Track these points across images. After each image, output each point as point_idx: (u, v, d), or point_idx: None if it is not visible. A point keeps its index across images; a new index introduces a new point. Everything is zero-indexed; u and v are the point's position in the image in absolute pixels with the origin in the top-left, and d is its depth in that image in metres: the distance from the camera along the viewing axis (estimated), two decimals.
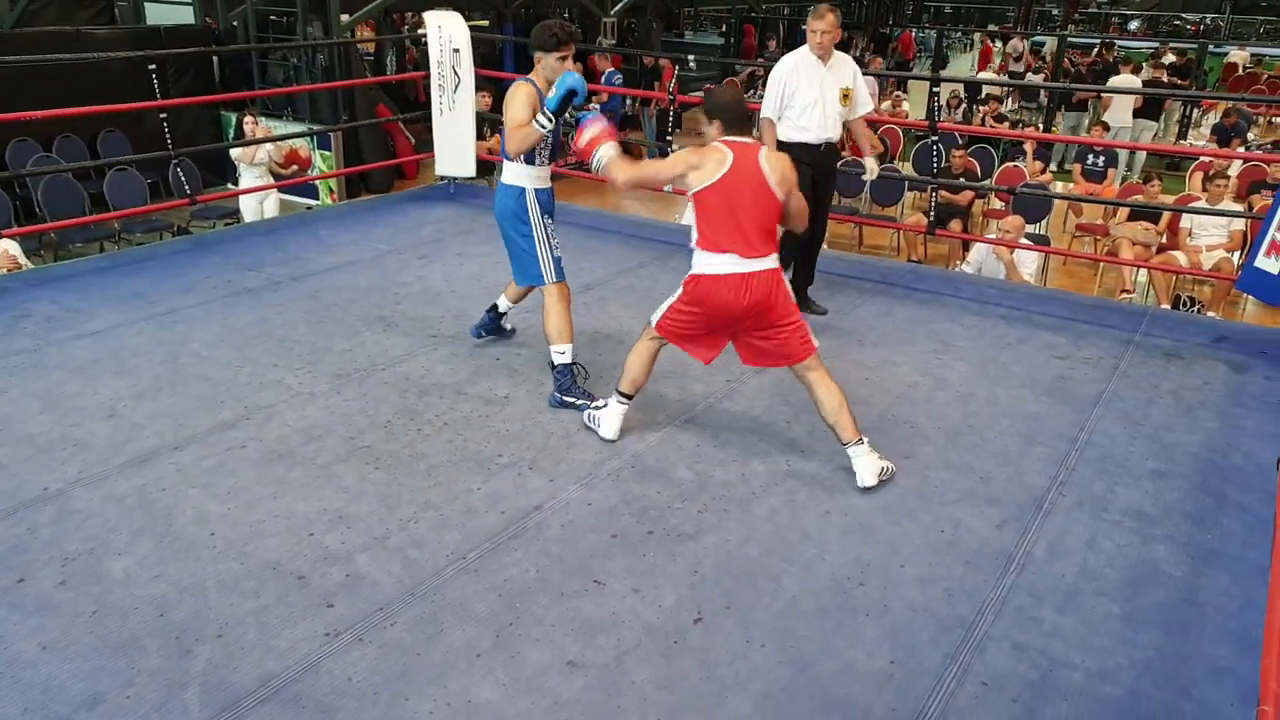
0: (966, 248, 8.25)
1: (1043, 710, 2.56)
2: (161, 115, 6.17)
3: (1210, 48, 19.96)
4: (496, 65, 13.72)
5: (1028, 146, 11.18)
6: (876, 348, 4.85)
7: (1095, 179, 10.71)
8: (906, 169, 10.79)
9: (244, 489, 3.39)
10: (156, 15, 13.34)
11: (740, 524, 3.32)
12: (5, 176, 8.74)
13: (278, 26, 12.17)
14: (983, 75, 18.38)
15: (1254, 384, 4.61)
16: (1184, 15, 30.84)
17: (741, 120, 3.57)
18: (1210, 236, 8.22)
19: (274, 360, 4.43)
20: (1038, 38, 23.23)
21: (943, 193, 8.64)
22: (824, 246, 8.99)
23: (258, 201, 8.95)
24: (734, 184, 3.45)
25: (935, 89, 6.96)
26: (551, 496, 3.43)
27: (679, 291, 3.64)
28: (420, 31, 7.28)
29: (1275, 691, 2.00)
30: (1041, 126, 15.00)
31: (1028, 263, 7.60)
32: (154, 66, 6.14)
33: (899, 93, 15.82)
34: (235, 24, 12.20)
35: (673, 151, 3.99)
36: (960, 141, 10.32)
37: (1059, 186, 11.55)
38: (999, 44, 22.78)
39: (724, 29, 22.12)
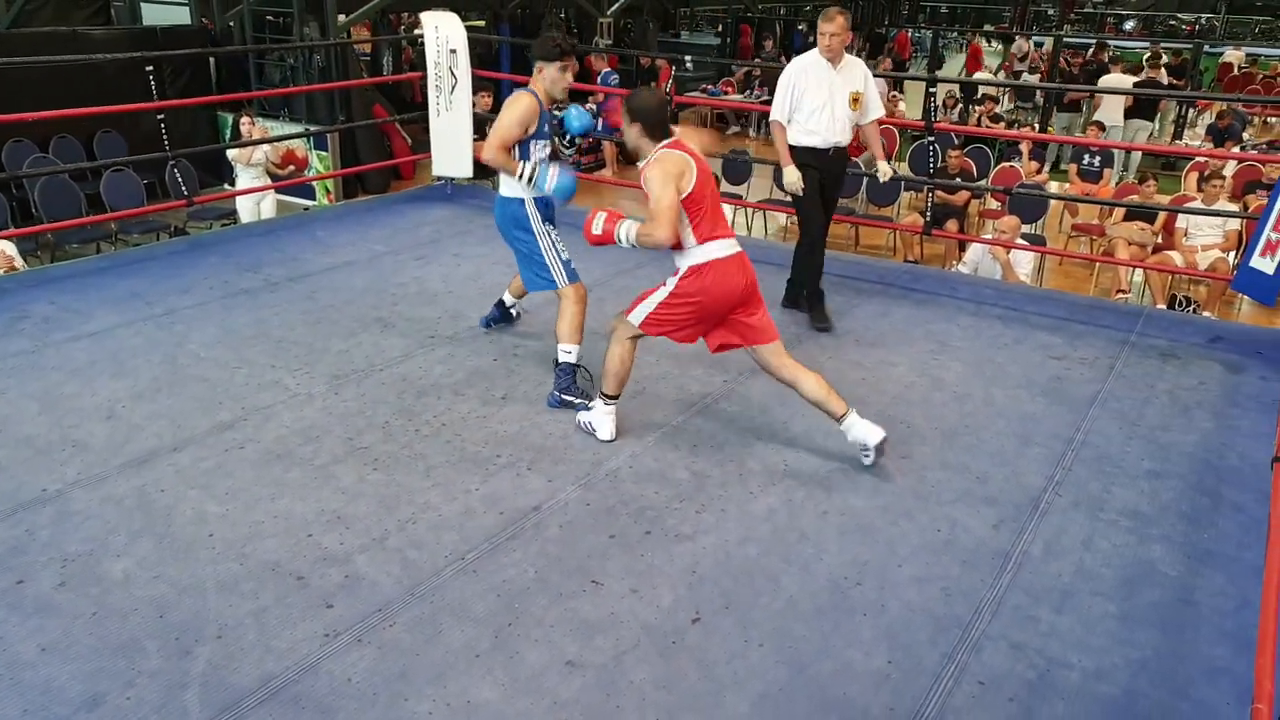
0: (963, 248, 8.27)
1: (1039, 709, 2.57)
2: (159, 117, 6.17)
3: (1205, 48, 19.99)
4: (493, 66, 13.72)
5: (1023, 146, 11.21)
6: (873, 348, 4.87)
7: (1091, 179, 10.73)
8: (903, 169, 10.80)
9: (242, 490, 3.40)
10: (153, 16, 13.33)
11: (738, 524, 3.33)
12: (2, 178, 8.73)
13: (274, 27, 12.16)
14: (978, 76, 18.40)
15: (1249, 384, 4.63)
16: (1179, 15, 30.89)
17: (662, 123, 3.63)
18: (1205, 236, 8.24)
19: (271, 361, 4.43)
20: (1035, 38, 23.25)
21: (939, 193, 8.66)
22: None
23: (255, 202, 8.95)
24: (703, 176, 3.59)
25: (931, 89, 6.97)
26: (550, 497, 3.44)
27: (667, 288, 3.67)
28: (417, 32, 7.28)
29: (1269, 690, 2.02)
30: (1037, 126, 15.04)
31: (1024, 263, 7.62)
32: (151, 68, 6.13)
33: (895, 93, 15.84)
34: (231, 24, 12.19)
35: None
36: (956, 142, 10.33)
37: (1055, 186, 11.58)
38: (995, 44, 22.83)
39: (720, 29, 22.13)
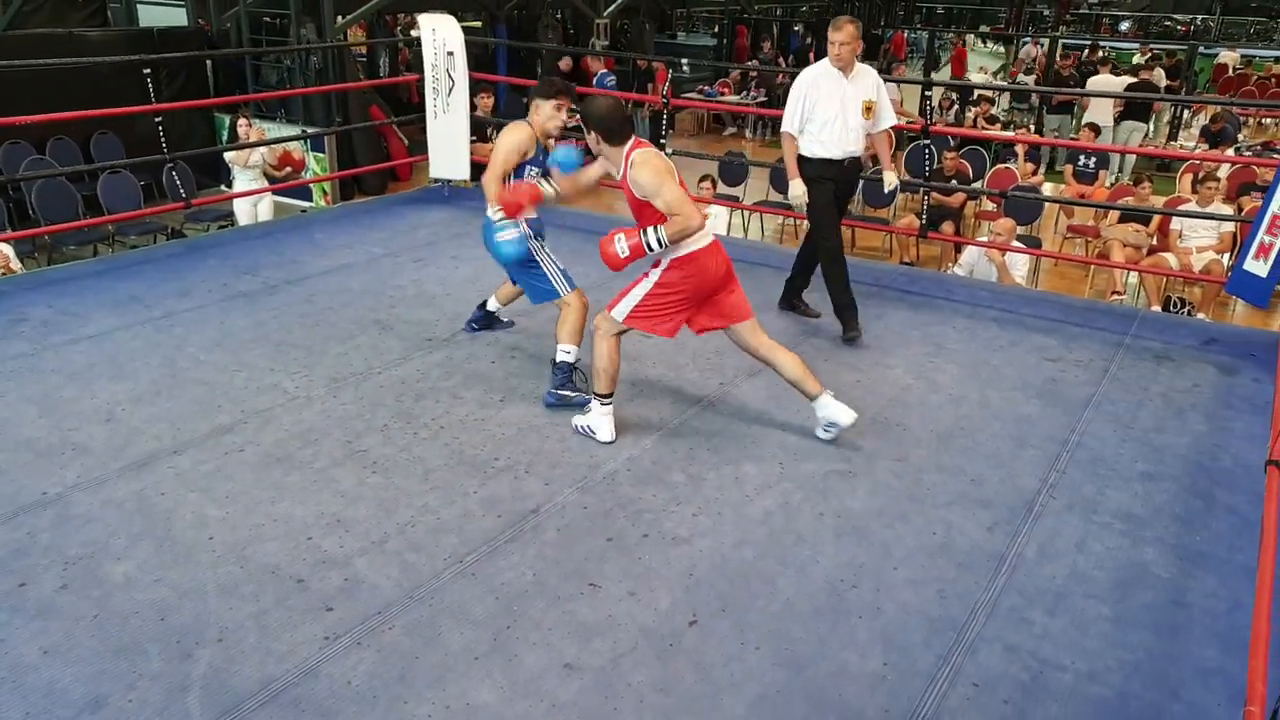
0: (959, 249, 8.30)
1: (1033, 711, 2.59)
2: (157, 119, 6.18)
3: (1200, 49, 20.05)
4: (489, 67, 13.74)
5: (1019, 148, 11.24)
6: (869, 350, 4.89)
7: (1087, 180, 10.76)
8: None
9: (242, 493, 3.42)
10: (149, 17, 13.33)
11: (735, 527, 3.35)
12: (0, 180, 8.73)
13: (271, 28, 12.18)
14: (975, 79, 18.45)
15: (1243, 386, 4.66)
16: (1174, 16, 30.95)
17: (622, 126, 3.72)
18: (1200, 238, 8.27)
19: (270, 364, 4.45)
20: (1029, 39, 23.30)
21: (935, 195, 8.69)
22: None
23: (252, 204, 8.95)
24: (674, 168, 3.72)
25: (928, 91, 7.00)
26: (548, 500, 3.46)
27: (651, 279, 3.76)
28: (414, 33, 7.30)
29: (1261, 692, 2.04)
30: (1033, 127, 15.07)
31: (1019, 264, 7.65)
32: (149, 70, 6.14)
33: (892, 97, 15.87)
34: (228, 26, 12.19)
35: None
36: (952, 144, 10.37)
37: (1051, 187, 11.61)
38: (991, 45, 22.89)
39: (716, 30, 22.15)
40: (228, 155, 9.25)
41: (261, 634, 2.73)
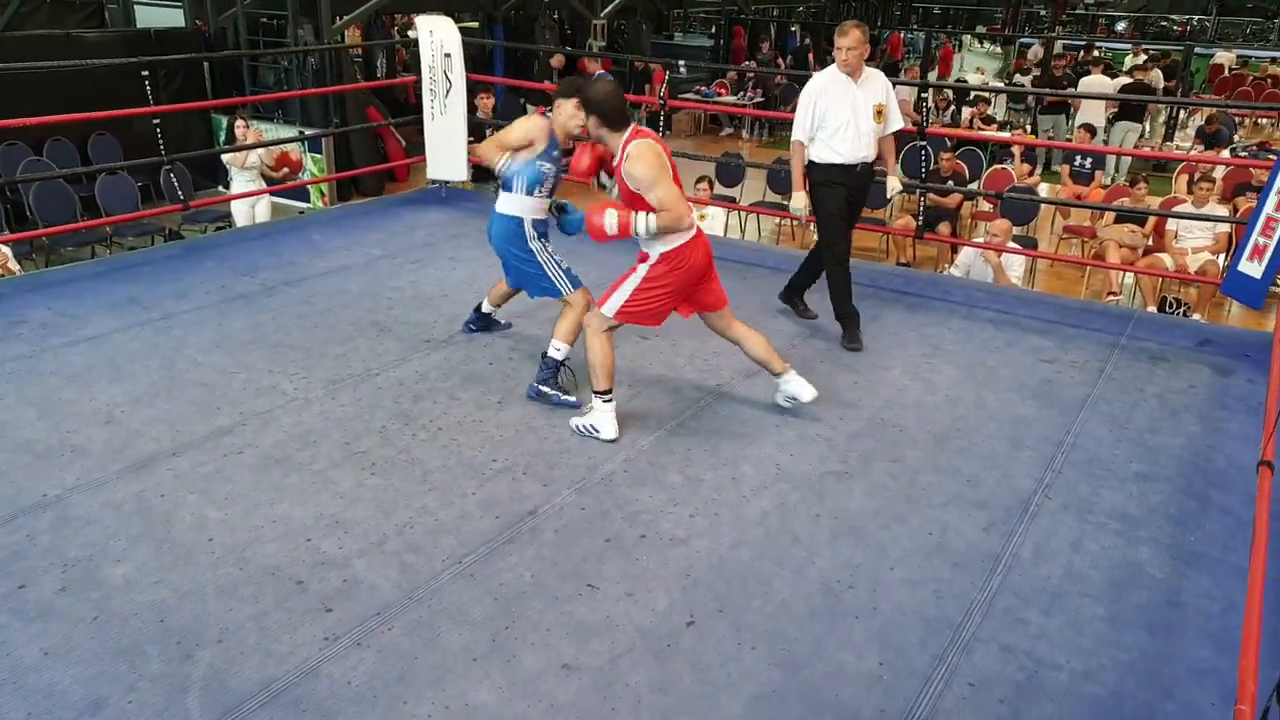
0: (955, 250, 8.32)
1: (1028, 711, 2.61)
2: (155, 122, 6.19)
3: (1196, 49, 20.09)
4: (486, 69, 13.75)
5: (1015, 149, 11.26)
6: (866, 351, 4.91)
7: (1083, 180, 10.79)
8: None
9: (241, 495, 3.43)
10: (147, 18, 13.33)
11: (731, 528, 3.37)
12: None
13: (268, 29, 12.17)
14: (971, 79, 18.49)
15: (1237, 387, 4.68)
16: (1170, 17, 31.01)
17: (621, 111, 3.80)
18: (1196, 239, 8.31)
19: (269, 366, 4.46)
20: (1025, 39, 23.33)
21: (931, 195, 8.71)
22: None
23: (249, 205, 8.96)
24: (672, 162, 3.83)
25: (924, 93, 7.02)
26: (546, 501, 3.48)
27: (639, 274, 3.86)
28: (411, 33, 7.31)
29: (1252, 691, 2.06)
30: (1029, 127, 15.11)
31: (1015, 265, 7.67)
32: (147, 72, 6.15)
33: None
34: (225, 26, 12.20)
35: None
36: (949, 144, 10.39)
37: (1047, 188, 11.64)
38: (988, 45, 22.92)
39: (713, 31, 22.18)
40: (225, 156, 9.26)
41: (261, 635, 2.75)
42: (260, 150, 9.07)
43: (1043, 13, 30.33)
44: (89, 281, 5.49)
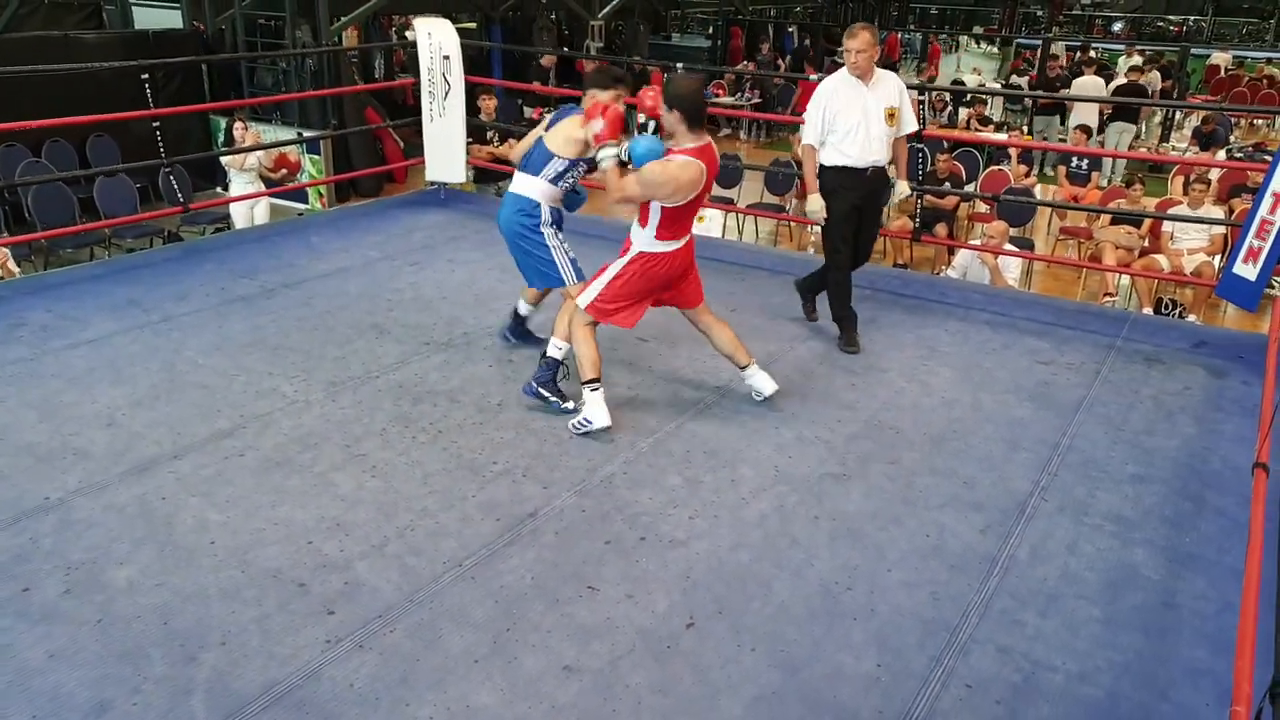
0: (952, 251, 8.35)
1: (1025, 712, 2.64)
2: (154, 124, 6.21)
3: (1192, 50, 20.14)
4: (484, 70, 13.76)
5: (1012, 150, 11.30)
6: (863, 353, 4.93)
7: (1080, 182, 10.83)
8: (891, 173, 10.88)
9: (243, 497, 3.45)
10: (144, 19, 13.34)
11: (730, 530, 3.39)
12: None
13: (266, 30, 12.19)
14: (968, 80, 18.53)
15: (1232, 389, 4.71)
16: (1167, 17, 31.08)
17: (699, 115, 3.85)
18: (1191, 240, 8.33)
19: (269, 368, 4.48)
20: (1022, 40, 23.38)
21: (928, 197, 8.74)
22: (811, 251, 9.09)
23: (248, 206, 8.97)
24: (700, 196, 3.87)
25: (921, 95, 7.04)
26: (546, 503, 3.50)
27: (614, 269, 3.95)
28: (409, 34, 7.34)
29: (1247, 692, 2.09)
30: (1026, 127, 15.15)
31: (1012, 267, 7.70)
32: (146, 75, 6.17)
33: None
34: (223, 28, 12.21)
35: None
36: (945, 145, 10.42)
37: (1044, 189, 11.68)
38: (985, 45, 22.96)
39: (711, 31, 22.21)
40: (224, 158, 9.27)
41: (264, 637, 2.77)
42: (259, 152, 9.08)
43: (1040, 13, 30.38)
44: (88, 284, 5.50)
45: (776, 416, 4.20)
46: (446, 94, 7.08)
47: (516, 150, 4.44)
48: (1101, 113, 13.72)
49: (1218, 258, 8.16)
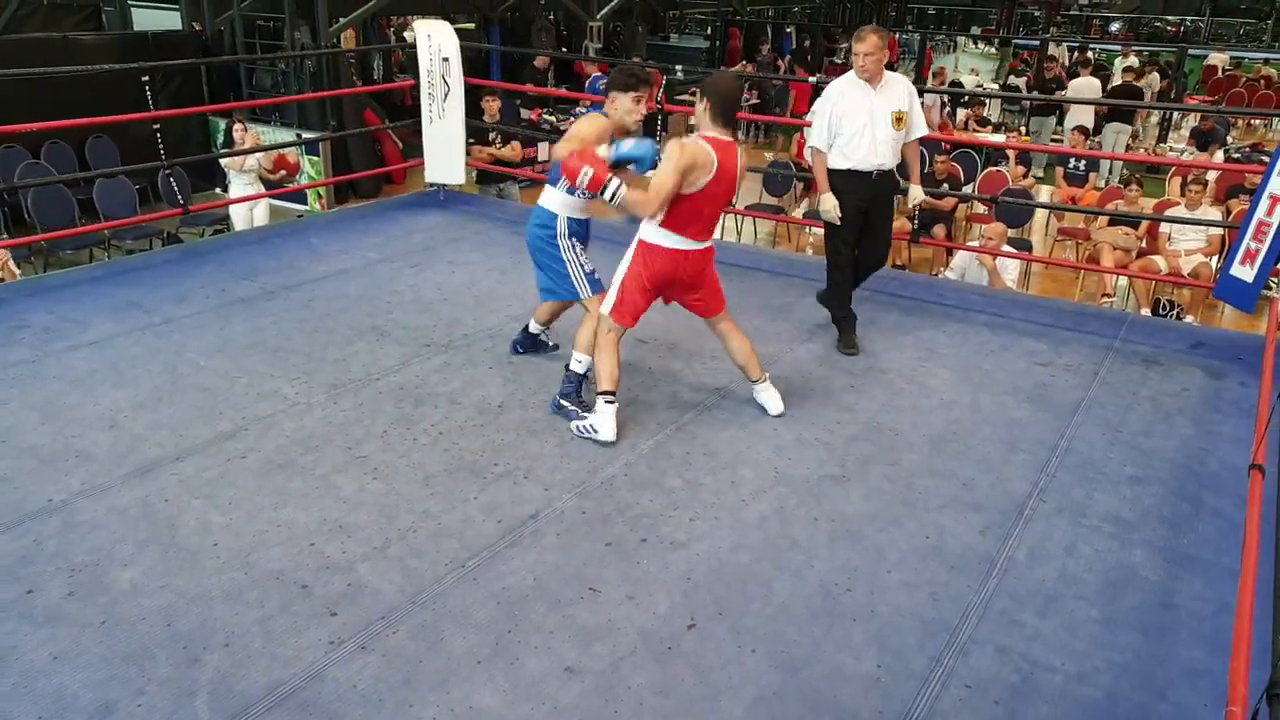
0: (950, 252, 8.37)
1: (1024, 712, 2.65)
2: (155, 127, 6.22)
3: (1189, 51, 20.17)
4: (483, 71, 13.77)
5: (1010, 151, 11.33)
6: (862, 355, 4.95)
7: (1077, 182, 10.85)
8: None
9: (245, 499, 3.46)
10: (143, 20, 13.34)
11: (731, 531, 3.41)
12: None
13: (265, 31, 12.20)
14: (965, 80, 18.55)
15: (1230, 390, 4.73)
16: (1164, 18, 31.12)
17: (730, 110, 3.88)
18: (1189, 241, 8.36)
19: (270, 370, 4.49)
20: (1020, 41, 23.41)
21: (926, 198, 8.75)
22: (809, 252, 9.11)
23: (248, 208, 8.99)
24: (712, 188, 3.82)
25: (920, 97, 7.05)
26: (547, 505, 3.51)
27: (623, 269, 3.98)
28: (407, 34, 7.36)
29: (1243, 693, 2.10)
30: (1025, 128, 15.18)
31: (1010, 268, 7.72)
32: (147, 78, 6.18)
33: None
34: (222, 29, 12.22)
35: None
36: (943, 147, 10.44)
37: (1042, 189, 11.71)
38: (983, 46, 22.98)
39: (709, 32, 22.23)
40: (223, 160, 9.29)
41: (267, 639, 2.78)
42: (258, 153, 9.09)
43: (1037, 14, 30.42)
44: (89, 286, 5.51)
45: (776, 418, 4.21)
46: (446, 96, 7.09)
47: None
48: (1098, 113, 13.76)
49: (1215, 258, 8.19)
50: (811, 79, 8.01)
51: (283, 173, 9.64)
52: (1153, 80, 16.64)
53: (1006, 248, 7.89)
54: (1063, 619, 3.02)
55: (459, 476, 3.67)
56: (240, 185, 8.95)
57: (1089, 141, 12.39)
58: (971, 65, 22.51)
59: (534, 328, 4.74)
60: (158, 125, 6.25)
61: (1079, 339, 5.28)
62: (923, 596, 3.10)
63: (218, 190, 10.27)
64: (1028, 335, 5.31)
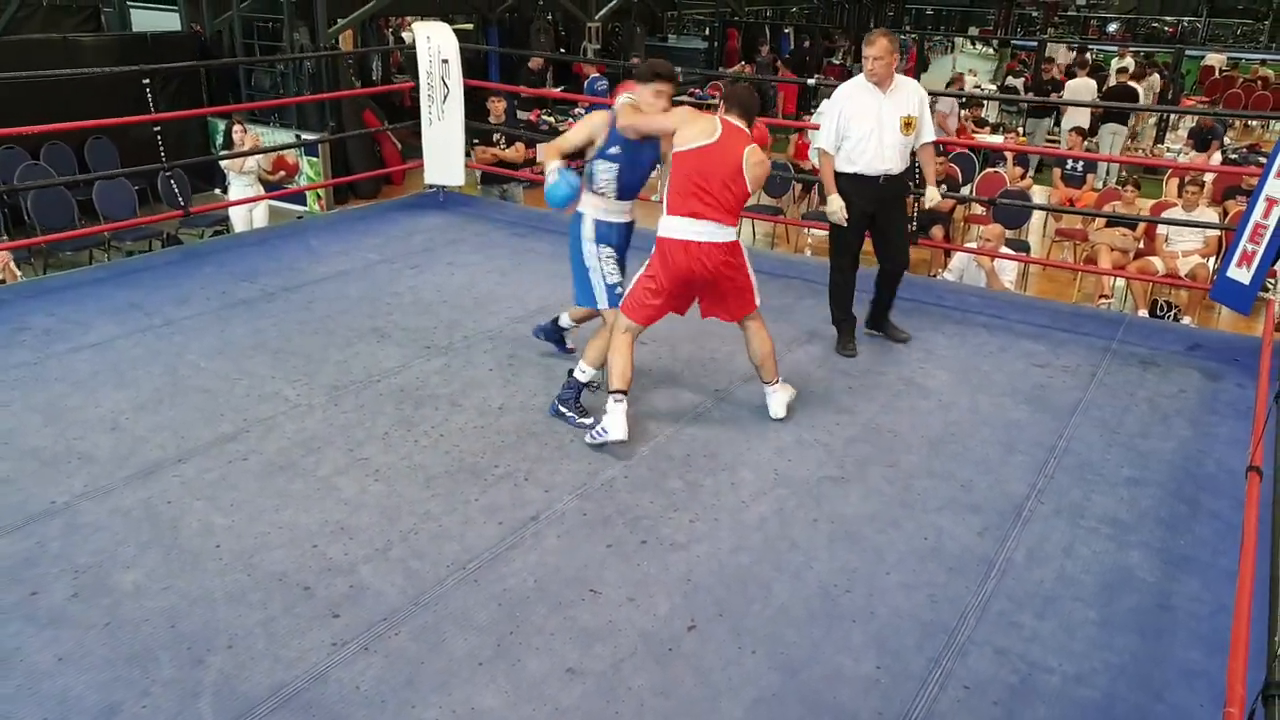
0: (948, 253, 8.38)
1: (1022, 713, 2.67)
2: (155, 129, 6.24)
3: (1187, 51, 20.21)
4: (481, 72, 13.78)
5: (1008, 153, 11.34)
6: (861, 356, 4.97)
7: (1075, 184, 10.87)
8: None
9: (247, 501, 3.48)
10: (143, 21, 13.34)
11: (731, 533, 3.42)
12: None
13: (264, 32, 12.21)
14: (966, 82, 18.56)
15: (1227, 391, 4.75)
16: (1162, 18, 31.16)
17: (746, 108, 3.99)
18: (1186, 242, 8.38)
19: (271, 372, 4.50)
20: (1018, 42, 23.45)
21: (919, 198, 8.77)
22: (808, 254, 9.13)
23: (247, 209, 8.99)
24: (712, 156, 3.84)
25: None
26: (547, 507, 3.53)
27: (643, 268, 4.01)
28: (406, 35, 7.37)
29: (1240, 694, 2.12)
30: (1023, 129, 15.21)
31: (1008, 269, 7.74)
32: (148, 81, 6.19)
33: None
34: (221, 30, 12.22)
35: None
36: (941, 148, 10.46)
37: (1040, 190, 11.73)
38: (980, 47, 22.99)
39: (707, 33, 22.25)
40: (223, 160, 9.29)
41: (270, 640, 2.80)
42: (258, 154, 9.10)
43: (1035, 14, 30.45)
44: (90, 287, 5.52)
45: (775, 421, 4.23)
46: (445, 97, 7.11)
47: None
48: (1093, 114, 13.79)
49: (1212, 259, 8.21)
50: (810, 81, 8.02)
51: (282, 174, 9.64)
52: (1153, 81, 16.66)
53: (1004, 249, 7.91)
54: (1061, 620, 3.04)
55: (460, 478, 3.69)
56: (240, 187, 8.95)
57: (1086, 143, 12.41)
58: (970, 66, 22.52)
59: (564, 321, 4.73)
60: (158, 127, 6.26)
61: (1077, 340, 5.30)
62: (921, 598, 3.12)
63: (217, 191, 10.27)
64: (1026, 337, 5.33)
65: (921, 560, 3.31)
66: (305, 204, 10.83)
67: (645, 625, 2.94)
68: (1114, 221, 8.86)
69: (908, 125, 4.79)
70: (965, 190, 10.43)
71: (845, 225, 4.90)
